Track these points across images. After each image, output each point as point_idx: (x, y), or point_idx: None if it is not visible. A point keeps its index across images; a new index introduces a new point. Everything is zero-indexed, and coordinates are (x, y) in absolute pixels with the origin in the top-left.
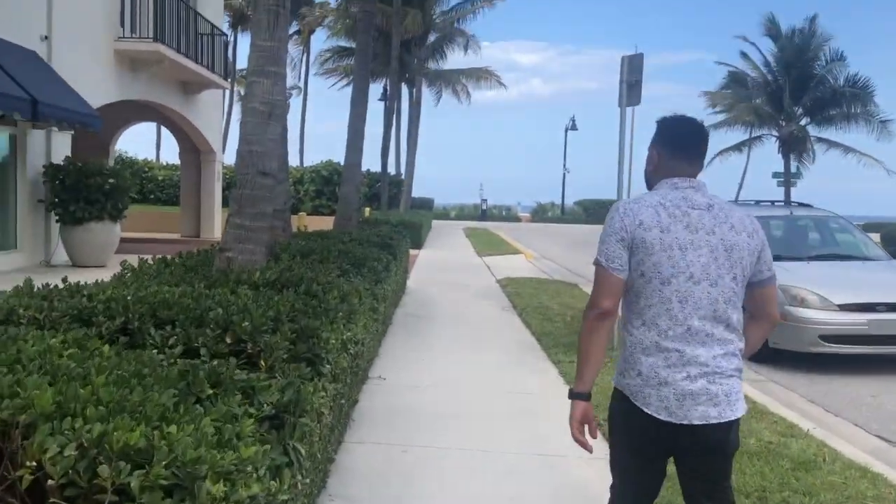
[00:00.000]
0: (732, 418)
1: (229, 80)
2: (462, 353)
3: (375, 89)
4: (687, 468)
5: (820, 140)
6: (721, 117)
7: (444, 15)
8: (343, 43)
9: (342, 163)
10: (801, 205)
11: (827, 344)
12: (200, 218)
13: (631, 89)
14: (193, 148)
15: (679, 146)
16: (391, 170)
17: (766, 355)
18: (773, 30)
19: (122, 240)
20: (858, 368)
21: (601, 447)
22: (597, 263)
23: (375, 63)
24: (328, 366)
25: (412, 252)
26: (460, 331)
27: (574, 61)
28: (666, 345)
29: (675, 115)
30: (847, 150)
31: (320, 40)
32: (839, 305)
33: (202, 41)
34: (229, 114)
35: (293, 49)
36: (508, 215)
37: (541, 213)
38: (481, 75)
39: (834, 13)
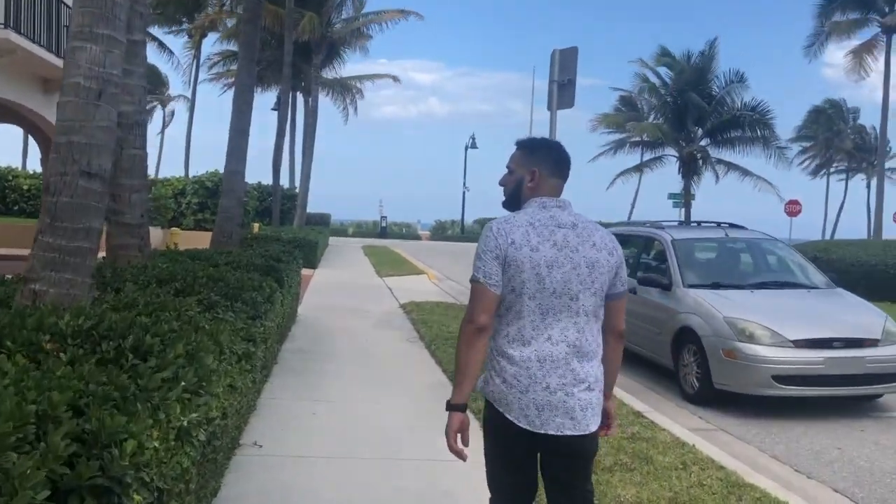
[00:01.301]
0: (587, 432)
1: None
2: (363, 402)
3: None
4: (547, 471)
5: (720, 162)
6: (613, 137)
7: (345, 22)
8: (233, 47)
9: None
10: (732, 226)
11: (781, 385)
12: None
13: (562, 90)
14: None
15: (559, 167)
16: (285, 183)
17: (710, 397)
18: (666, 60)
19: None
20: (807, 413)
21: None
22: (474, 280)
23: (268, 70)
24: (136, 497)
25: (306, 273)
26: (360, 371)
27: (469, 82)
28: (528, 355)
29: (543, 137)
30: (745, 173)
31: (211, 45)
32: (793, 342)
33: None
34: None
35: (184, 54)
36: (408, 233)
37: (440, 231)
38: (377, 77)
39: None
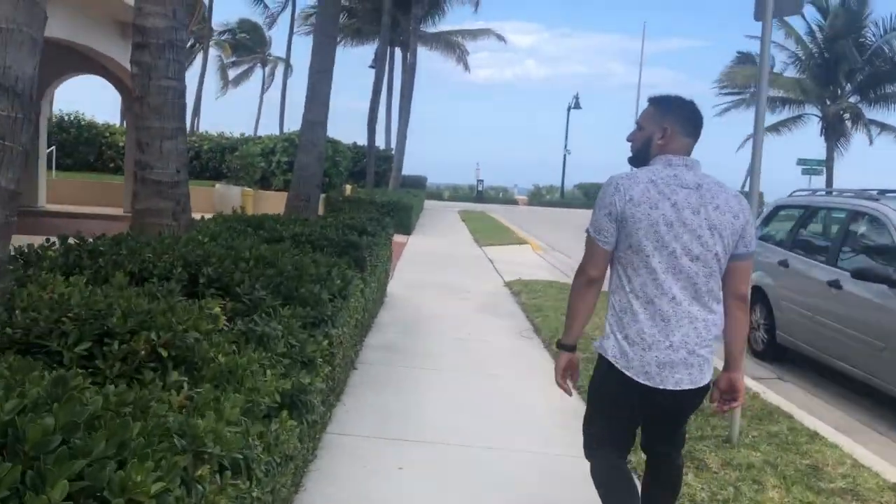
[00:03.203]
0: (703, 384)
1: (194, 31)
2: (469, 447)
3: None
4: (651, 418)
5: (872, 122)
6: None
7: None
8: None
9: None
10: None
11: None
12: None
13: None
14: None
15: (693, 125)
16: (380, 144)
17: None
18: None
19: (48, 213)
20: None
21: None
22: (588, 233)
23: (365, 22)
24: None
25: (400, 240)
26: (463, 386)
27: (569, 44)
28: (651, 312)
29: (678, 96)
30: None
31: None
32: None
33: None
34: (202, 77)
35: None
36: (505, 197)
37: (538, 197)
38: (479, 35)
39: None
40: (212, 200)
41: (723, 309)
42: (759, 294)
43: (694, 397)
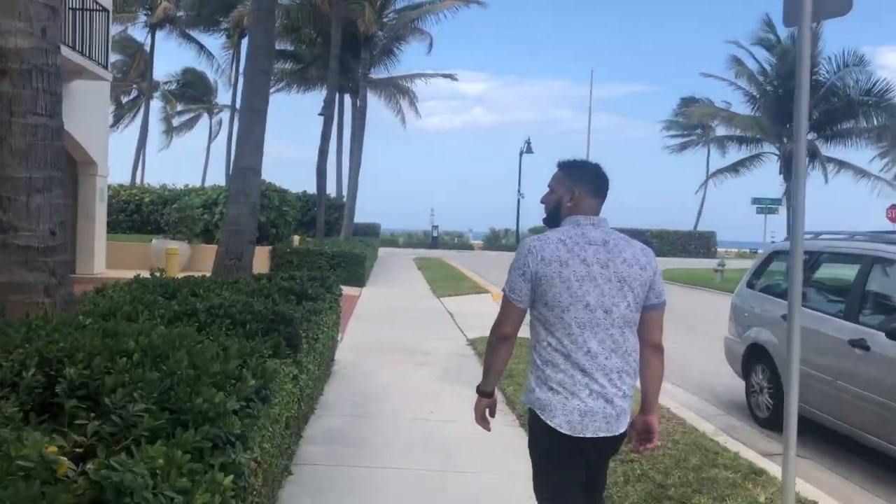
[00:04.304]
0: (618, 433)
1: (113, 72)
2: None
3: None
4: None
5: (830, 160)
6: (676, 141)
7: (399, 13)
8: (278, 45)
9: (273, 182)
10: None
11: None
12: (76, 248)
13: None
14: (66, 158)
15: (597, 188)
16: (331, 192)
17: None
18: (767, 39)
19: None
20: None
21: None
22: (503, 293)
23: (314, 68)
24: None
25: (352, 293)
26: (427, 487)
27: (517, 91)
28: (569, 364)
29: (584, 160)
30: (861, 173)
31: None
32: None
33: (71, 16)
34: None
35: (222, 54)
36: (461, 242)
37: (494, 241)
38: (430, 78)
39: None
40: (148, 256)
41: (638, 358)
42: (760, 353)
43: (612, 444)
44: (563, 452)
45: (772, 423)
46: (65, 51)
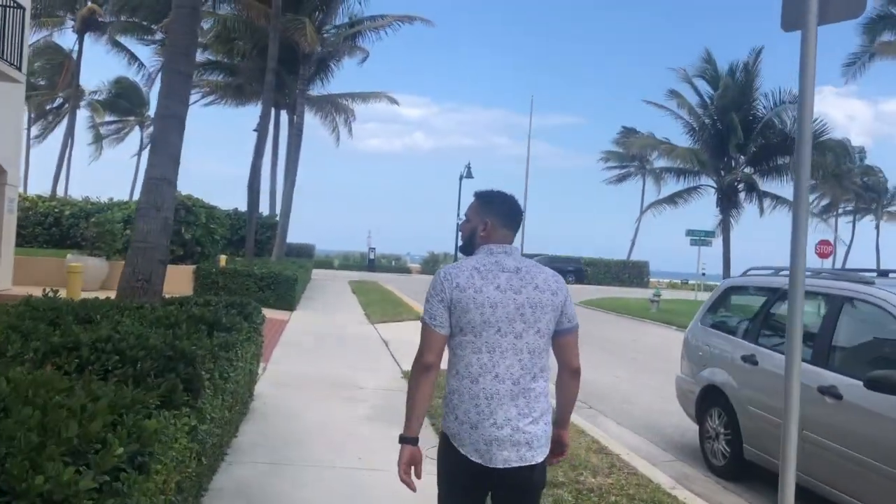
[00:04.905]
0: (533, 462)
1: (36, 79)
2: None
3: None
4: (501, 501)
5: (766, 194)
6: (612, 173)
7: (338, 30)
8: (210, 56)
9: (194, 195)
10: None
11: None
12: None
13: None
14: None
15: (510, 219)
16: (265, 210)
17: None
18: (707, 72)
19: None
20: None
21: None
22: (422, 321)
23: (247, 81)
24: None
25: (280, 317)
26: None
27: (457, 118)
28: (476, 391)
29: (499, 191)
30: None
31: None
32: None
33: None
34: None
35: (154, 63)
36: (398, 265)
37: (432, 265)
38: (370, 97)
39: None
40: (62, 273)
41: (550, 382)
42: (716, 396)
43: (528, 475)
44: (471, 482)
45: (729, 472)
46: None
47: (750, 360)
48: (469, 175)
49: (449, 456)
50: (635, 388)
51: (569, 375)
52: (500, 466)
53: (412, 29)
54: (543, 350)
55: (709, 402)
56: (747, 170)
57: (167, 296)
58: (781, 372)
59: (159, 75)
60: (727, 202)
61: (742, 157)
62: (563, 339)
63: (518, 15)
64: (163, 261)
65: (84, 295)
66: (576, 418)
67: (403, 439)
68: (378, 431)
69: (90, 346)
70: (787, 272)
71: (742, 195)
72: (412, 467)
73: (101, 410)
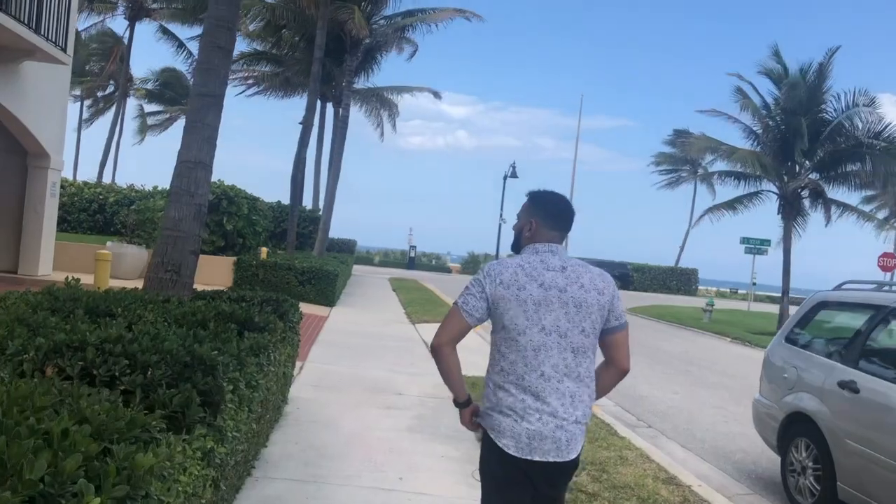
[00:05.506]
0: (569, 458)
1: (73, 56)
2: None
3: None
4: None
5: (832, 202)
6: (663, 177)
7: (388, 20)
8: (259, 46)
9: (243, 189)
10: None
11: None
12: (20, 246)
13: None
14: (14, 147)
15: (556, 220)
16: (307, 204)
17: None
18: (775, 71)
19: None
20: None
21: None
22: (455, 304)
23: (295, 74)
24: None
25: (320, 313)
26: None
27: (501, 117)
28: (521, 388)
29: (550, 191)
30: (866, 216)
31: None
32: None
33: None
34: (118, 127)
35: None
36: (438, 264)
37: (473, 265)
38: (414, 91)
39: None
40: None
41: (593, 384)
42: (804, 424)
43: (561, 471)
44: (510, 475)
45: None
46: (15, 26)
47: (849, 386)
48: (514, 174)
49: (491, 452)
50: (694, 405)
51: (616, 374)
52: (539, 459)
53: (458, 25)
54: (589, 349)
55: (795, 431)
56: (813, 175)
57: (201, 288)
58: (892, 403)
59: None
60: (790, 209)
61: (807, 162)
62: (612, 338)
63: (566, 14)
64: (194, 251)
65: (119, 284)
66: (638, 440)
67: (458, 404)
68: (420, 446)
69: (97, 347)
70: (890, 288)
71: (806, 203)
72: (475, 418)
73: (81, 440)
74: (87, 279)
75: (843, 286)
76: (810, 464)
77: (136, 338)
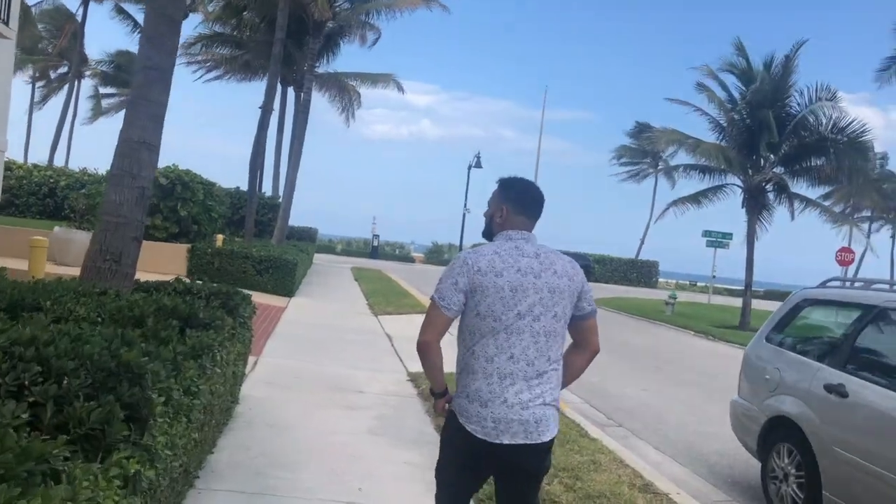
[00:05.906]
0: (539, 442)
1: (17, 31)
2: None
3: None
4: (500, 482)
5: (796, 196)
6: (624, 169)
7: (351, 2)
8: (218, 28)
9: (199, 174)
10: None
11: None
12: None
13: None
14: None
15: (526, 206)
16: (267, 191)
17: None
18: (740, 66)
19: None
20: None
21: None
22: (432, 299)
23: (255, 57)
24: None
25: (278, 303)
26: None
27: (465, 107)
28: (491, 370)
29: (520, 178)
30: (828, 211)
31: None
32: None
33: None
34: (70, 108)
35: None
36: (401, 254)
37: (437, 255)
38: (378, 80)
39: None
40: (51, 246)
41: (562, 367)
42: (787, 429)
43: (532, 454)
44: (473, 459)
45: None
46: None
47: (836, 390)
48: (478, 164)
49: (454, 428)
50: (665, 402)
51: (588, 355)
52: (506, 442)
53: (422, 14)
54: (559, 334)
55: (777, 435)
56: (777, 169)
57: (153, 278)
58: (884, 409)
59: None
60: (754, 203)
61: (772, 156)
62: (585, 323)
63: (529, 7)
64: (137, 238)
65: (62, 272)
66: (610, 442)
67: (434, 394)
68: (382, 451)
69: (5, 351)
70: (879, 286)
71: (771, 196)
72: (446, 406)
73: None
74: (22, 266)
75: (829, 283)
76: (793, 471)
77: (54, 339)
